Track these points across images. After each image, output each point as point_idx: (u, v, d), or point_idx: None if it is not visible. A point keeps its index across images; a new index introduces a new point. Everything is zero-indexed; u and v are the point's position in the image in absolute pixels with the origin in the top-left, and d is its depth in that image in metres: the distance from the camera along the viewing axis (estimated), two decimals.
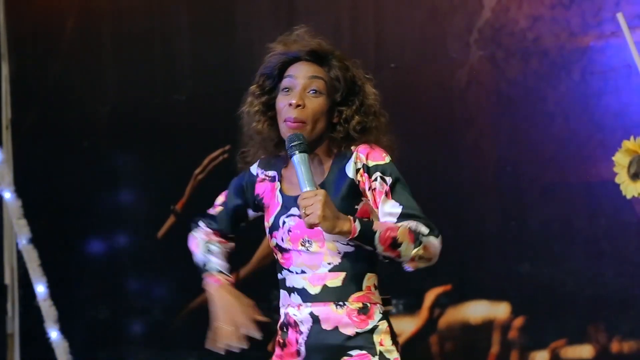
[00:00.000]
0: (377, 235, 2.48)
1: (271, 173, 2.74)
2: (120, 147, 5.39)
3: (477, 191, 4.35)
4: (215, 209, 2.82)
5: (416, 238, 2.51)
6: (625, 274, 4.13)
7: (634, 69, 3.52)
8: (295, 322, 2.64)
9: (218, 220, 2.81)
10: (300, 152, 2.53)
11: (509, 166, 4.33)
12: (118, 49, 5.39)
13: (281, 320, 2.71)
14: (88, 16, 5.48)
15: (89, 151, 5.46)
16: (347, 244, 2.57)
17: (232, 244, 2.82)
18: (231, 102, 5.13)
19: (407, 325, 4.41)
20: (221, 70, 5.10)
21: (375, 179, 2.59)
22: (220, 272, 2.71)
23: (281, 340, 2.70)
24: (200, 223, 2.84)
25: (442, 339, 4.45)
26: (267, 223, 2.68)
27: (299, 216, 2.54)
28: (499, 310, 4.35)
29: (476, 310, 4.35)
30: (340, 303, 2.60)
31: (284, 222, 2.63)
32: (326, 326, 2.60)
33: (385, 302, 2.67)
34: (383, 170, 2.59)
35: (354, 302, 2.60)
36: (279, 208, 2.66)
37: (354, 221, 2.48)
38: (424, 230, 2.54)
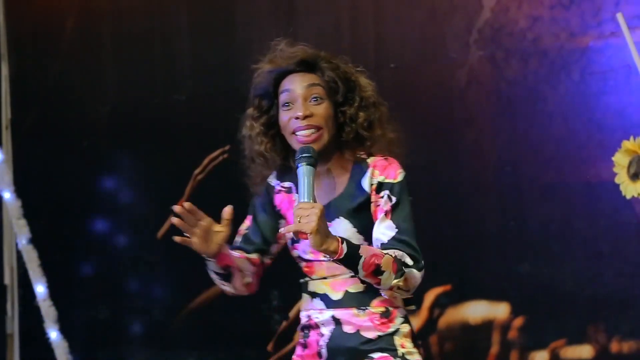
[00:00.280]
0: (361, 260, 2.48)
1: (287, 184, 2.74)
2: (120, 147, 5.39)
3: (477, 191, 4.35)
4: (240, 235, 2.77)
5: (399, 269, 2.51)
6: (625, 274, 4.13)
7: (634, 69, 3.52)
8: (317, 324, 2.65)
9: (244, 243, 2.75)
10: (307, 164, 2.52)
11: (509, 166, 4.33)
12: (118, 49, 5.39)
13: (303, 322, 2.70)
14: (88, 16, 5.48)
15: (89, 151, 5.46)
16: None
17: (253, 257, 2.73)
18: (231, 102, 5.14)
19: None
20: (221, 70, 5.09)
21: (382, 197, 2.59)
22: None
23: (302, 341, 2.70)
24: None
25: (442, 339, 4.45)
26: (287, 235, 2.67)
27: None
28: (499, 311, 4.35)
29: (476, 311, 4.35)
30: (362, 308, 2.61)
31: None
32: (348, 329, 2.62)
33: (407, 302, 2.67)
34: (392, 189, 2.60)
35: (376, 307, 2.61)
36: None
37: (342, 242, 2.47)
38: (409, 261, 2.54)
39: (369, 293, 2.60)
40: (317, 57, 2.66)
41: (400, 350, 2.61)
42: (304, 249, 2.61)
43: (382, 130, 2.67)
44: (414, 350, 2.64)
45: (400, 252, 2.54)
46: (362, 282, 2.56)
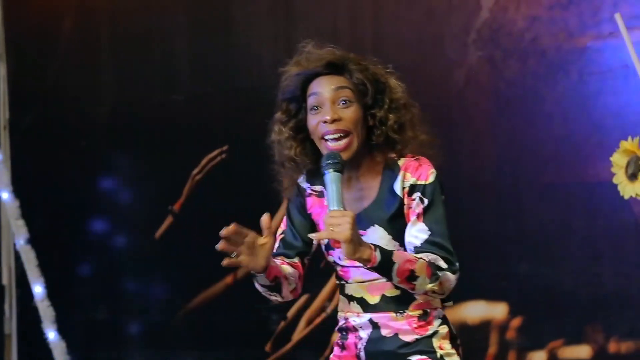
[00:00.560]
0: (395, 266, 2.45)
1: (318, 188, 2.70)
2: (118, 147, 5.39)
3: (475, 191, 4.35)
4: (277, 241, 2.72)
5: (433, 273, 2.48)
6: (623, 274, 4.14)
7: (632, 70, 3.52)
8: (354, 327, 2.64)
9: (285, 248, 2.71)
10: (334, 170, 2.48)
11: (507, 166, 4.33)
12: (116, 49, 5.39)
13: (340, 323, 2.69)
14: (86, 16, 5.48)
15: (87, 151, 5.46)
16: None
17: (295, 261, 2.70)
18: (229, 102, 5.18)
19: None
20: (219, 70, 5.10)
21: (414, 199, 2.56)
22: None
23: (340, 342, 2.69)
24: None
25: None
26: (322, 241, 2.65)
27: None
28: (497, 311, 4.35)
29: (474, 311, 4.35)
30: (400, 311, 2.59)
31: None
32: (386, 332, 2.60)
33: (445, 299, 2.64)
34: (424, 190, 2.56)
35: (413, 310, 2.60)
36: None
37: (375, 250, 2.44)
38: (442, 264, 2.51)
39: (406, 296, 2.57)
40: (345, 59, 2.61)
41: (439, 352, 2.60)
42: (340, 255, 2.58)
43: (414, 132, 2.62)
44: (453, 351, 2.62)
45: (434, 256, 2.51)
46: (397, 287, 2.54)
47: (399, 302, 2.59)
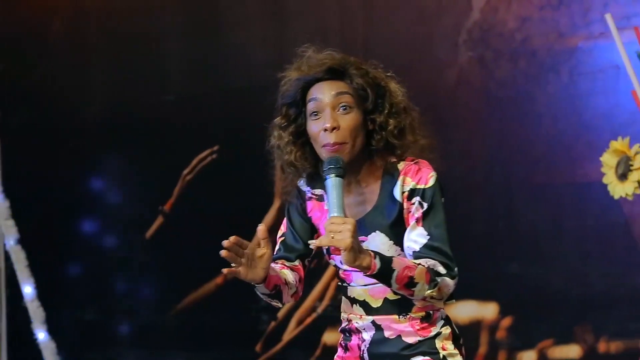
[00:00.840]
0: (395, 273, 2.44)
1: (318, 192, 2.68)
2: (108, 147, 5.38)
3: (466, 191, 4.36)
4: (278, 244, 2.71)
5: (432, 279, 2.48)
6: (612, 274, 4.15)
7: (623, 70, 3.53)
8: (357, 329, 2.64)
9: (285, 251, 2.69)
10: (336, 176, 2.47)
11: (498, 166, 4.34)
12: (106, 49, 5.38)
13: (343, 325, 2.69)
14: (76, 16, 5.47)
15: (77, 151, 5.45)
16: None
17: (296, 264, 2.68)
18: (219, 103, 5.17)
19: None
20: (210, 71, 5.09)
21: (414, 203, 2.55)
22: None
23: (343, 343, 2.69)
24: None
25: None
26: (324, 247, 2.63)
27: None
28: (487, 311, 4.36)
29: (464, 311, 4.35)
30: (403, 314, 2.59)
31: None
32: (388, 334, 2.60)
33: (447, 297, 2.62)
34: (423, 194, 2.54)
35: (416, 312, 2.59)
36: None
37: (375, 257, 2.43)
38: (441, 270, 2.50)
39: (408, 299, 2.57)
40: (345, 63, 2.58)
41: (442, 353, 2.59)
42: (341, 259, 2.58)
43: (414, 137, 2.60)
44: (455, 351, 2.61)
45: (433, 261, 2.50)
46: (395, 293, 2.53)
47: (402, 305, 2.58)
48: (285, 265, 2.67)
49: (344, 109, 2.56)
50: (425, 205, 2.54)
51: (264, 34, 4.95)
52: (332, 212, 2.44)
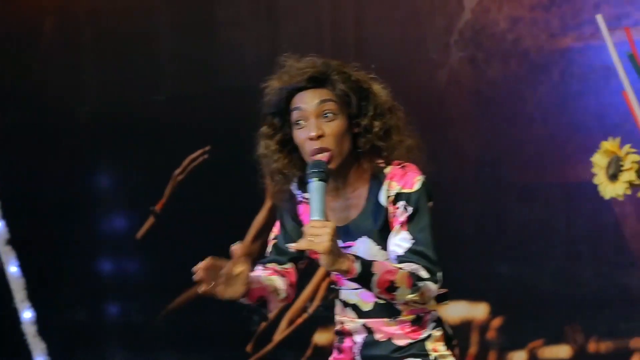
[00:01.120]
0: (375, 277, 2.43)
1: (308, 195, 2.64)
2: (100, 147, 5.37)
3: (457, 191, 4.36)
4: (269, 246, 2.72)
5: (414, 284, 2.47)
6: (602, 274, 4.16)
7: (613, 71, 3.54)
8: (350, 331, 2.65)
9: (277, 254, 2.70)
10: (318, 179, 2.47)
11: (488, 167, 4.34)
12: (98, 50, 5.38)
13: (337, 327, 2.70)
14: (67, 16, 5.46)
15: (69, 151, 5.44)
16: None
17: (288, 267, 2.69)
18: (211, 103, 5.17)
19: None
20: (202, 71, 5.09)
21: (399, 207, 2.54)
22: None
23: (337, 345, 2.70)
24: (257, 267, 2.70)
25: None
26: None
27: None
28: (478, 311, 4.36)
29: (455, 311, 4.35)
30: (394, 317, 2.59)
31: None
32: (379, 337, 2.61)
33: (441, 299, 2.64)
34: (408, 199, 2.54)
35: (407, 315, 2.59)
36: None
37: (355, 261, 2.43)
38: (424, 274, 2.49)
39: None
40: (327, 69, 2.58)
41: (433, 355, 2.60)
42: (320, 263, 2.58)
43: (400, 137, 2.60)
44: (447, 352, 2.61)
45: (416, 266, 2.49)
46: (378, 297, 2.53)
47: (392, 308, 2.58)
48: (275, 270, 2.67)
49: (328, 117, 2.56)
50: (410, 209, 2.53)
51: (257, 34, 4.95)
52: (312, 215, 2.44)
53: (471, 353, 4.37)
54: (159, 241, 5.21)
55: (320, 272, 4.69)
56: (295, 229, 2.68)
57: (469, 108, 4.38)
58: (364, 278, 2.44)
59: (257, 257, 2.74)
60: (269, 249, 2.71)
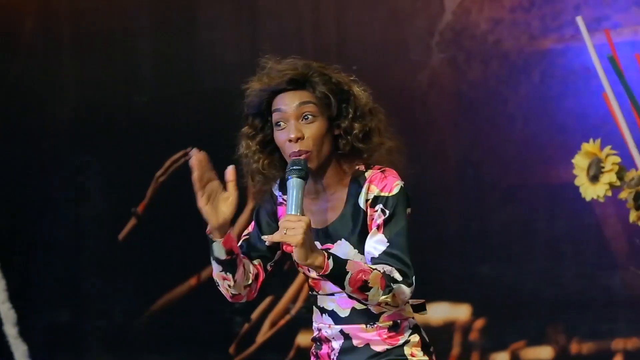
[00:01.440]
0: (348, 275, 2.43)
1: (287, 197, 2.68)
2: (80, 148, 5.35)
3: (439, 193, 4.37)
4: (241, 241, 2.69)
5: (387, 285, 2.46)
6: (584, 275, 4.17)
7: (594, 72, 3.54)
8: (327, 338, 2.64)
9: (247, 249, 2.67)
10: (297, 177, 2.48)
11: (470, 168, 4.35)
12: (78, 50, 5.36)
13: (315, 334, 2.69)
14: (47, 16, 5.44)
15: (49, 152, 5.42)
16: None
17: (256, 263, 2.66)
18: (193, 104, 5.16)
19: None
20: (183, 72, 5.08)
21: (377, 210, 2.55)
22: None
23: (315, 352, 2.70)
24: None
25: None
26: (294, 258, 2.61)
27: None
28: (460, 312, 4.37)
29: (437, 312, 4.36)
30: (371, 323, 2.59)
31: None
32: (357, 343, 2.61)
33: (418, 308, 2.65)
34: (386, 202, 2.54)
35: (384, 321, 2.59)
36: None
37: (328, 258, 2.43)
38: (397, 276, 2.48)
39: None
40: (307, 71, 2.58)
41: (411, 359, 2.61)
42: (294, 257, 2.58)
43: (380, 139, 2.59)
44: (425, 358, 2.62)
45: (389, 267, 2.48)
46: (350, 297, 2.52)
47: (369, 314, 2.58)
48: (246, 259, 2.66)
49: (308, 119, 2.56)
50: (387, 212, 2.53)
51: (238, 35, 4.94)
52: (289, 210, 2.46)
53: (454, 354, 4.37)
54: (141, 242, 5.19)
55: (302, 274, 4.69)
56: (270, 228, 2.67)
57: (451, 109, 4.38)
58: (337, 275, 2.44)
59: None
60: (240, 244, 2.67)
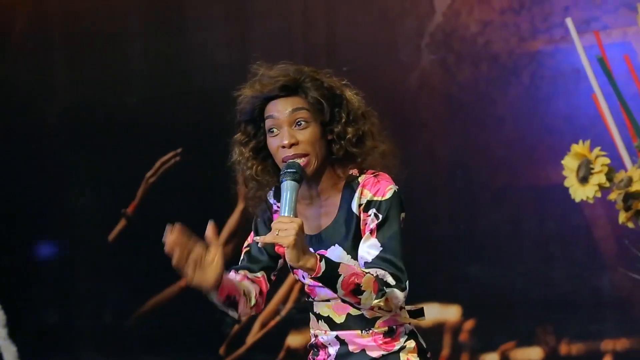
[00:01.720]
0: (340, 279, 2.42)
1: None
2: (70, 149, 5.35)
3: (429, 194, 4.37)
4: (242, 254, 2.70)
5: (380, 288, 2.46)
6: (573, 276, 4.18)
7: (583, 74, 3.55)
8: (324, 344, 2.64)
9: (249, 262, 2.68)
10: (291, 180, 2.48)
11: (460, 169, 4.35)
12: (68, 51, 5.35)
13: (311, 340, 2.69)
14: (38, 17, 5.43)
15: (38, 153, 5.41)
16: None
17: (258, 276, 2.67)
18: (183, 105, 5.16)
19: None
20: (173, 73, 5.08)
21: (370, 215, 2.54)
22: None
23: (312, 359, 2.70)
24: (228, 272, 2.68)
25: None
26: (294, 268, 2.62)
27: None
28: (450, 313, 4.37)
29: (427, 313, 4.34)
30: (366, 329, 2.59)
31: None
32: (353, 348, 2.61)
33: (416, 314, 2.64)
34: (379, 206, 2.54)
35: (379, 327, 2.59)
36: None
37: (320, 260, 2.42)
38: (391, 281, 2.48)
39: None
40: (299, 76, 2.58)
41: None
42: (304, 274, 2.58)
43: (374, 143, 2.59)
44: None
45: (382, 272, 2.48)
46: (343, 301, 2.51)
47: (365, 320, 2.58)
48: (247, 276, 2.65)
49: (301, 125, 2.56)
50: (381, 216, 2.53)
51: (228, 36, 4.94)
52: (282, 212, 2.45)
53: (444, 355, 4.38)
54: (131, 243, 5.19)
55: (292, 275, 4.69)
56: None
57: (440, 111, 4.39)
58: (329, 278, 2.43)
59: (228, 260, 2.74)
60: (242, 257, 2.70)
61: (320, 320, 2.64)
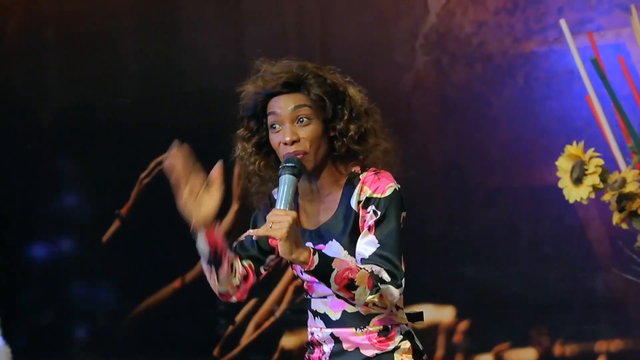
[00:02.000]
0: (334, 273, 2.43)
1: None
2: (64, 150, 5.34)
3: (423, 195, 4.37)
4: (237, 242, 2.71)
5: (374, 284, 2.46)
6: (568, 277, 4.18)
7: (577, 75, 3.55)
8: (319, 341, 2.65)
9: (239, 249, 2.68)
10: (290, 174, 2.49)
11: (454, 170, 4.36)
12: (62, 52, 5.35)
13: (308, 338, 2.70)
14: (32, 18, 5.43)
15: (33, 154, 5.41)
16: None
17: (245, 263, 2.67)
18: (177, 105, 5.15)
19: None
20: (167, 73, 5.07)
21: (369, 212, 2.55)
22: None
23: (307, 356, 2.70)
24: None
25: None
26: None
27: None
28: (444, 314, 4.37)
29: None
30: (361, 327, 2.59)
31: None
32: (347, 346, 2.61)
33: (414, 318, 2.64)
34: (378, 203, 2.54)
35: (374, 325, 2.59)
36: None
37: (314, 254, 2.43)
38: (386, 277, 2.48)
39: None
40: (302, 72, 2.58)
41: None
42: (301, 269, 2.58)
43: (376, 140, 2.60)
44: None
45: (378, 268, 2.48)
46: (337, 296, 2.51)
47: (360, 318, 2.58)
48: (237, 259, 2.66)
49: (303, 121, 2.57)
50: (379, 213, 2.53)
51: (222, 37, 4.94)
52: (277, 205, 2.46)
53: (438, 356, 4.38)
54: (125, 245, 5.18)
55: (287, 275, 4.69)
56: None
57: (435, 112, 4.39)
58: (322, 272, 2.44)
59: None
60: (234, 244, 2.69)
61: (316, 318, 2.64)
